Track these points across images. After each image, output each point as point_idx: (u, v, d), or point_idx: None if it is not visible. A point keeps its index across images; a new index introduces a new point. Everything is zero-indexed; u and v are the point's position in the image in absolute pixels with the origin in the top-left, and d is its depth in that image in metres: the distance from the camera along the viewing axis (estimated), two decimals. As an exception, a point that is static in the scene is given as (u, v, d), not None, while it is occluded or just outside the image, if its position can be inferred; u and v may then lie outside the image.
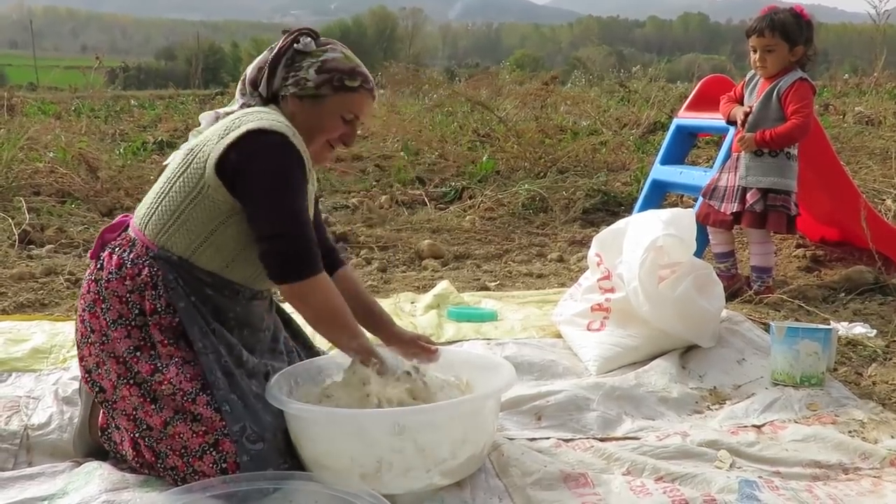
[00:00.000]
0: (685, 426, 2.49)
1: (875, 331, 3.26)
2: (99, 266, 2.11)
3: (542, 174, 6.84)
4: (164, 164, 2.23)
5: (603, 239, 3.24)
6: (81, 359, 2.13)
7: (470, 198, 6.30)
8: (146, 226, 2.08)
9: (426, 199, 6.36)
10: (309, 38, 2.14)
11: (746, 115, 3.70)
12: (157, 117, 11.67)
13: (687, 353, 3.00)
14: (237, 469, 1.92)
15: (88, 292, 2.10)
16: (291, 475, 1.90)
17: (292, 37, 2.14)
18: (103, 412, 2.16)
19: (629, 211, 4.91)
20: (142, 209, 2.13)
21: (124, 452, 2.09)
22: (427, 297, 3.65)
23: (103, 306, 2.05)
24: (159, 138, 8.98)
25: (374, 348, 2.15)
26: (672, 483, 2.05)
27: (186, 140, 2.25)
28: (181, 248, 2.04)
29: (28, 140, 7.19)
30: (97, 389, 2.09)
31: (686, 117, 4.63)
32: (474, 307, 3.59)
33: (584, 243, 4.84)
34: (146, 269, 2.03)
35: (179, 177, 2.06)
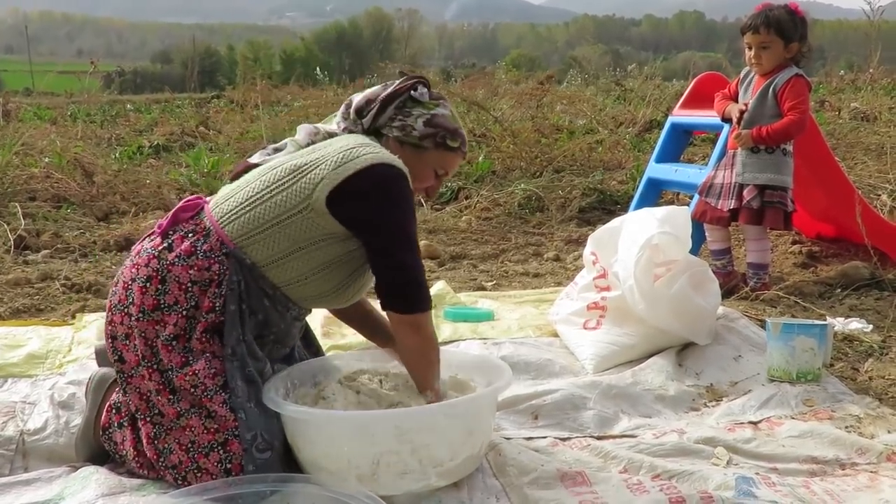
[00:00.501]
0: (682, 424, 2.49)
1: (871, 326, 3.26)
2: (166, 245, 2.06)
3: (538, 173, 6.85)
4: (251, 161, 2.25)
5: (598, 237, 3.24)
6: (110, 322, 2.09)
7: (466, 198, 6.30)
8: (229, 222, 2.05)
9: (422, 200, 6.36)
10: (425, 89, 2.23)
11: (741, 112, 3.71)
12: (153, 121, 11.67)
13: (683, 350, 3.00)
14: (241, 472, 1.92)
15: (147, 265, 2.04)
16: (290, 478, 1.90)
17: (411, 82, 2.21)
18: (106, 412, 2.15)
19: (625, 209, 4.92)
20: (226, 204, 2.09)
21: (125, 453, 2.08)
22: (424, 298, 3.64)
23: (160, 287, 2.01)
24: (155, 142, 8.99)
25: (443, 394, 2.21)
26: (669, 480, 2.05)
27: (275, 145, 2.29)
28: (259, 257, 2.03)
29: (23, 145, 7.20)
30: (117, 357, 2.07)
31: (681, 115, 4.63)
32: (471, 307, 3.59)
33: (581, 242, 4.84)
34: (217, 264, 2.01)
35: (282, 190, 2.03)
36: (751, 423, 2.48)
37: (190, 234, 2.06)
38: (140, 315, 2.01)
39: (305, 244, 2.04)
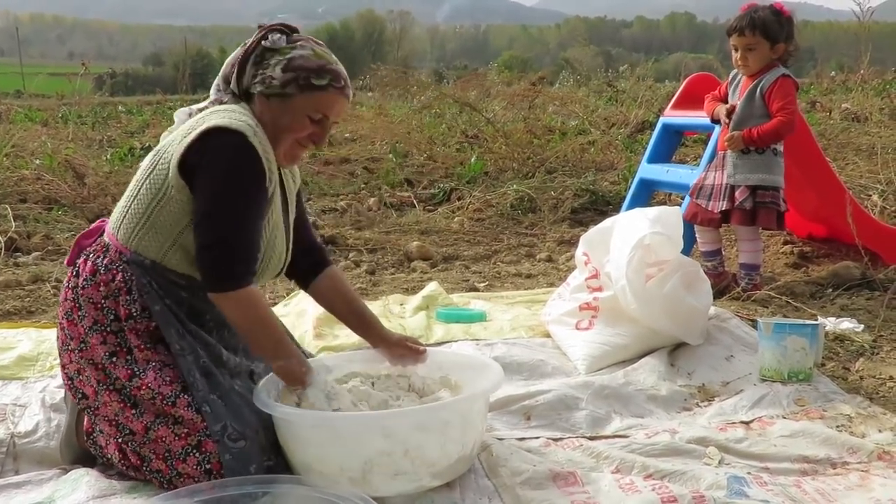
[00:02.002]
0: (674, 423, 2.49)
1: (862, 326, 3.27)
2: (75, 273, 2.10)
3: (530, 174, 6.85)
4: (139, 166, 2.21)
5: (590, 238, 3.24)
6: (63, 366, 2.12)
7: (458, 199, 6.31)
8: (118, 230, 2.06)
9: (415, 201, 6.36)
10: (280, 35, 2.08)
11: (729, 112, 3.72)
12: (144, 123, 11.63)
13: (675, 350, 3.00)
14: (221, 469, 1.91)
15: (66, 300, 2.09)
16: (280, 479, 1.89)
17: (262, 33, 2.09)
18: (88, 419, 2.15)
19: (617, 210, 4.92)
20: (115, 214, 2.12)
21: (110, 456, 2.07)
22: (416, 299, 3.64)
23: (80, 313, 2.04)
24: (147, 144, 8.94)
25: (301, 374, 2.07)
26: (661, 480, 2.05)
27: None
28: (152, 252, 2.02)
29: (14, 147, 7.18)
30: (80, 396, 2.09)
31: (672, 116, 4.64)
32: (463, 308, 3.58)
33: (573, 243, 4.84)
34: (119, 274, 2.02)
35: (146, 179, 2.04)
36: (742, 422, 2.48)
37: (91, 255, 2.09)
38: (81, 346, 2.04)
39: (184, 227, 2.00)
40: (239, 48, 2.14)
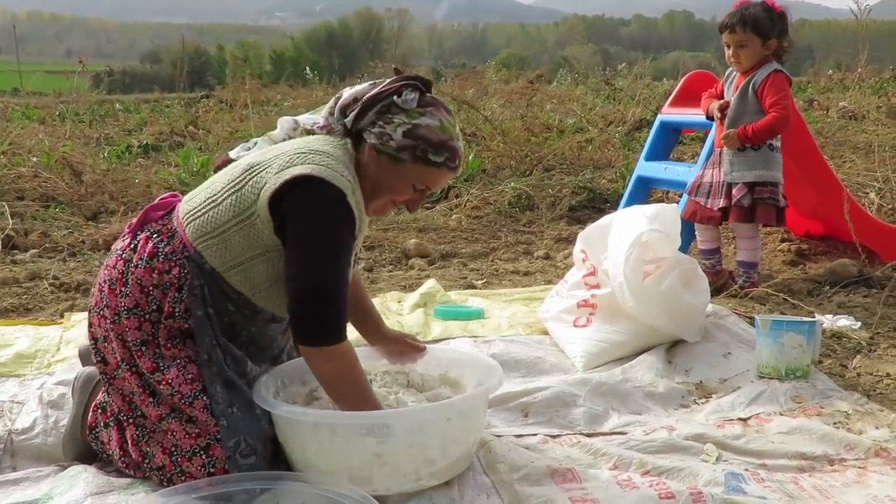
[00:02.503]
0: (671, 420, 2.49)
1: (859, 323, 3.28)
2: (132, 246, 2.04)
3: (528, 172, 6.85)
4: (230, 155, 2.17)
5: (588, 235, 3.24)
6: (91, 325, 2.09)
7: (456, 196, 6.30)
8: (190, 224, 2.01)
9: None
10: (414, 95, 2.03)
11: (722, 109, 3.72)
12: (142, 121, 11.62)
13: (673, 347, 3.01)
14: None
15: (114, 268, 2.03)
16: (280, 475, 1.89)
17: (398, 85, 2.03)
18: (92, 411, 2.14)
19: (615, 207, 4.92)
20: (190, 203, 2.06)
21: (111, 452, 2.07)
22: (414, 296, 3.65)
23: (123, 289, 1.99)
24: (144, 142, 8.95)
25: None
26: (659, 477, 2.06)
27: (255, 140, 2.20)
28: (215, 262, 1.98)
29: (11, 145, 7.17)
30: (100, 359, 2.07)
31: (670, 113, 4.64)
32: (461, 305, 3.58)
33: (571, 240, 4.84)
34: (177, 268, 1.98)
35: (233, 192, 1.98)
36: (740, 419, 2.49)
37: (155, 235, 2.03)
38: (114, 317, 2.00)
39: (255, 255, 1.98)
40: (367, 85, 2.09)
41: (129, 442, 2.02)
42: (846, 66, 14.95)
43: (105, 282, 2.04)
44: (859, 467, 2.16)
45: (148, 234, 2.04)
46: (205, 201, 2.02)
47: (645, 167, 4.67)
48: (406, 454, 1.94)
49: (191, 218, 2.02)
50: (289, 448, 2.02)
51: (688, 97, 4.49)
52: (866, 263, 3.91)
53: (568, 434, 2.39)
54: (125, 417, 2.03)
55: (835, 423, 2.42)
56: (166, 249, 2.00)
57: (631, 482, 2.00)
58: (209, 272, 1.99)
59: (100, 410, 2.12)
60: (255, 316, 2.09)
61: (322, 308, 1.91)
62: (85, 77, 13.12)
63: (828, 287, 3.85)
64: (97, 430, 2.12)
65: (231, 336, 2.06)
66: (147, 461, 1.99)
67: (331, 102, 2.15)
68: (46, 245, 4.87)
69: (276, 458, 2.04)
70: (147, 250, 2.00)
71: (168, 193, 2.22)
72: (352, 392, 1.98)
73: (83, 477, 2.03)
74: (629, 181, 4.90)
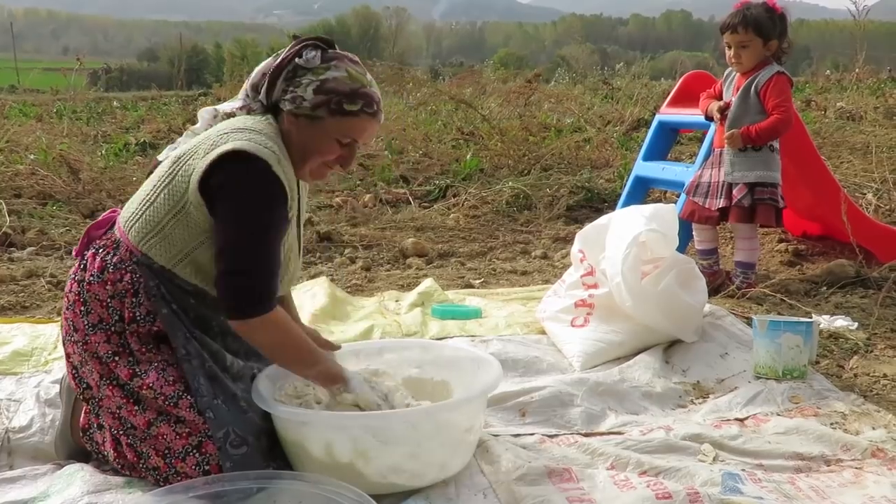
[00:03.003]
0: (669, 420, 2.50)
1: (856, 323, 3.28)
2: (82, 266, 2.06)
3: (525, 172, 6.85)
4: (158, 158, 2.17)
5: (586, 235, 3.24)
6: (68, 356, 2.10)
7: (454, 196, 6.30)
8: (130, 230, 2.02)
9: (410, 198, 6.35)
10: (315, 52, 2.02)
11: (721, 109, 3.72)
12: (139, 119, 11.59)
13: (670, 347, 3.01)
14: (219, 472, 1.91)
15: (71, 292, 2.06)
16: (275, 475, 1.89)
17: (297, 48, 2.03)
18: (84, 413, 2.14)
19: (613, 207, 4.92)
20: (128, 210, 2.07)
21: (106, 453, 2.07)
22: (411, 296, 3.64)
23: (83, 308, 2.02)
24: (142, 140, 8.93)
25: (337, 373, 2.07)
26: (656, 477, 2.06)
27: (180, 137, 2.20)
28: (163, 260, 1.99)
29: (8, 142, 7.15)
30: (83, 386, 2.07)
31: (668, 113, 4.65)
32: (459, 305, 3.58)
33: (568, 240, 4.84)
34: (128, 275, 1.99)
35: (165, 187, 1.99)
36: (737, 419, 2.49)
37: (101, 250, 2.05)
38: (84, 339, 2.01)
39: (197, 243, 1.97)
40: (271, 58, 2.09)
41: (124, 445, 2.02)
42: (844, 66, 14.96)
43: (67, 308, 2.07)
44: (856, 468, 2.16)
45: (94, 250, 2.07)
46: (140, 204, 2.04)
47: (643, 167, 4.67)
48: (404, 454, 1.94)
49: (130, 223, 2.03)
50: (285, 444, 2.02)
51: (686, 97, 4.49)
52: (863, 264, 3.92)
53: (565, 434, 2.39)
54: (117, 432, 2.03)
55: (832, 424, 2.43)
56: (114, 260, 2.01)
57: (628, 482, 2.00)
58: (159, 271, 2.00)
59: (93, 413, 2.12)
60: (218, 304, 2.07)
61: (246, 280, 1.91)
62: (82, 74, 13.09)
63: (825, 287, 3.85)
64: (90, 431, 2.12)
65: (203, 328, 2.07)
66: (142, 462, 1.99)
67: (245, 85, 2.15)
68: (44, 243, 4.87)
69: (273, 452, 2.03)
70: (96, 265, 2.02)
71: (108, 211, 2.24)
72: (296, 356, 2.02)
73: (80, 475, 2.03)
74: (627, 181, 4.90)
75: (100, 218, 2.20)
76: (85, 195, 6.04)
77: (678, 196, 4.09)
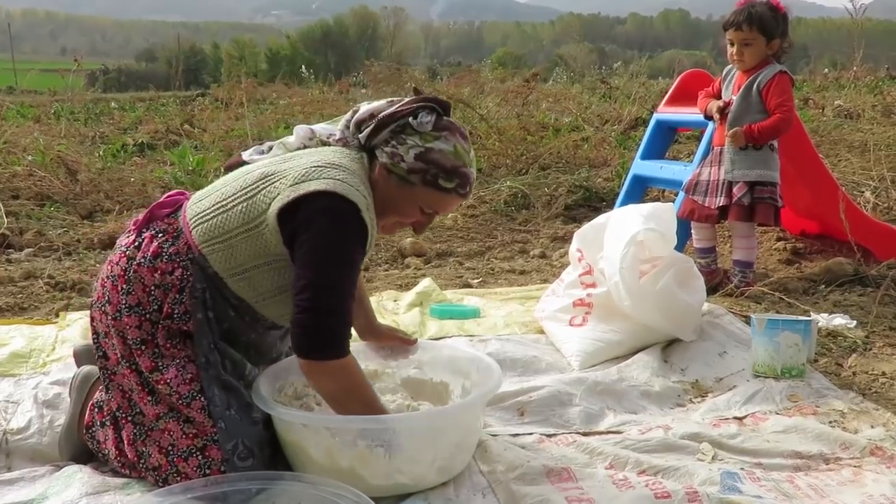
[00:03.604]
0: (667, 419, 2.50)
1: (855, 322, 3.28)
2: (136, 244, 2.02)
3: (524, 171, 6.85)
4: (243, 157, 2.16)
5: (584, 234, 3.24)
6: (93, 319, 2.09)
7: (452, 195, 6.29)
8: (197, 227, 2.00)
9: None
10: (430, 117, 2.01)
11: (721, 109, 3.72)
12: (137, 119, 11.58)
13: (669, 346, 3.01)
14: None
15: (117, 264, 2.02)
16: (276, 475, 1.89)
17: (416, 106, 2.02)
18: (89, 411, 2.14)
19: (611, 206, 4.92)
20: (199, 205, 2.04)
21: (107, 451, 2.07)
22: (410, 295, 3.64)
23: (125, 287, 1.99)
24: (140, 140, 8.93)
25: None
26: (655, 476, 2.06)
27: (271, 143, 2.18)
28: (220, 267, 1.97)
29: (6, 143, 7.14)
30: (101, 354, 2.06)
31: (666, 112, 4.64)
32: (457, 304, 3.58)
33: (567, 239, 4.84)
34: (180, 270, 1.97)
35: (244, 200, 1.97)
36: (736, 418, 2.49)
37: (160, 234, 2.02)
38: (116, 314, 2.00)
39: (260, 263, 1.97)
40: (386, 102, 2.08)
41: (126, 441, 2.01)
42: (842, 64, 14.99)
43: (108, 277, 2.03)
44: (855, 466, 2.17)
45: (153, 232, 2.03)
46: (214, 205, 2.01)
47: (641, 166, 4.67)
48: (403, 455, 1.94)
49: (198, 221, 2.01)
50: (285, 447, 2.02)
51: (684, 96, 4.49)
52: (862, 262, 3.92)
53: (564, 433, 2.39)
54: (123, 415, 2.02)
55: (830, 422, 2.43)
56: (171, 250, 1.99)
57: (627, 481, 2.00)
58: (212, 276, 1.98)
59: (97, 409, 2.12)
60: (255, 323, 2.08)
61: (327, 322, 1.87)
62: (80, 75, 13.07)
63: (823, 286, 3.85)
64: (93, 429, 2.12)
65: (231, 341, 2.06)
66: (143, 461, 1.98)
67: (347, 115, 2.14)
68: (42, 244, 4.86)
69: (274, 459, 2.03)
70: (151, 249, 1.99)
71: (175, 191, 2.20)
72: (359, 410, 1.94)
73: (78, 477, 2.02)
74: (625, 180, 4.90)
75: (164, 198, 2.15)
76: (83, 196, 6.03)
77: (676, 195, 4.09)
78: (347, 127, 2.11)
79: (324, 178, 1.90)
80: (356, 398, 1.94)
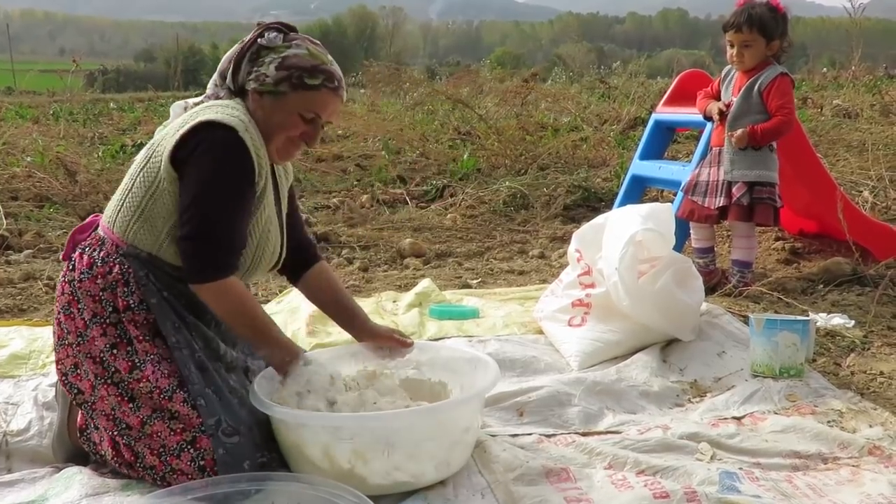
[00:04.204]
0: (666, 419, 2.50)
1: (853, 321, 3.29)
2: (71, 267, 2.10)
3: (522, 171, 6.86)
4: (133, 161, 2.21)
5: (583, 234, 3.25)
6: (58, 361, 2.12)
7: (451, 196, 6.31)
8: (114, 223, 2.07)
9: (407, 198, 6.36)
10: (276, 33, 2.10)
11: (721, 111, 3.72)
12: (136, 120, 11.58)
13: (667, 346, 3.01)
14: (215, 465, 1.92)
15: (63, 294, 2.09)
16: (274, 476, 1.89)
17: (259, 31, 2.11)
18: (82, 413, 2.15)
19: (610, 207, 4.93)
20: (109, 207, 2.13)
21: (104, 452, 2.08)
22: (409, 296, 3.65)
23: (79, 307, 2.04)
24: (139, 141, 8.91)
25: (283, 364, 2.11)
26: (653, 476, 2.06)
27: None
28: (147, 244, 2.03)
29: (5, 144, 7.15)
30: (75, 392, 2.08)
31: (664, 112, 4.65)
32: (456, 305, 3.59)
33: (566, 239, 4.84)
34: (116, 266, 2.02)
35: (140, 171, 2.05)
36: (734, 418, 2.49)
37: (87, 248, 2.09)
38: (79, 339, 2.03)
39: (176, 219, 2.01)
40: (236, 45, 2.15)
41: (121, 445, 2.03)
42: (840, 63, 14.98)
43: (59, 312, 2.10)
44: (853, 466, 2.17)
45: (80, 250, 2.11)
46: (119, 196, 2.10)
47: (639, 166, 4.68)
48: (403, 454, 1.94)
49: (113, 216, 2.08)
50: (284, 447, 2.03)
51: (682, 96, 4.50)
52: (860, 262, 3.93)
53: (563, 433, 2.39)
54: (111, 433, 2.04)
55: (829, 422, 2.43)
56: (101, 255, 2.05)
57: (626, 482, 2.00)
58: (147, 259, 2.03)
59: (87, 417, 2.13)
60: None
61: (207, 244, 1.96)
62: (79, 76, 13.08)
63: (821, 285, 3.86)
64: (88, 431, 2.13)
65: (197, 314, 2.10)
66: (139, 461, 2.00)
67: (213, 77, 2.21)
68: (41, 245, 4.86)
69: (267, 445, 2.04)
70: (84, 262, 2.06)
71: (91, 216, 2.28)
72: (250, 327, 2.07)
73: (78, 478, 2.03)
74: (624, 180, 4.91)
75: (83, 222, 2.25)
76: (82, 197, 6.03)
77: (675, 195, 4.09)
78: (215, 84, 2.19)
79: (198, 117, 2.00)
80: (247, 317, 2.05)
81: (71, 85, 12.35)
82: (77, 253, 2.11)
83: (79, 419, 2.16)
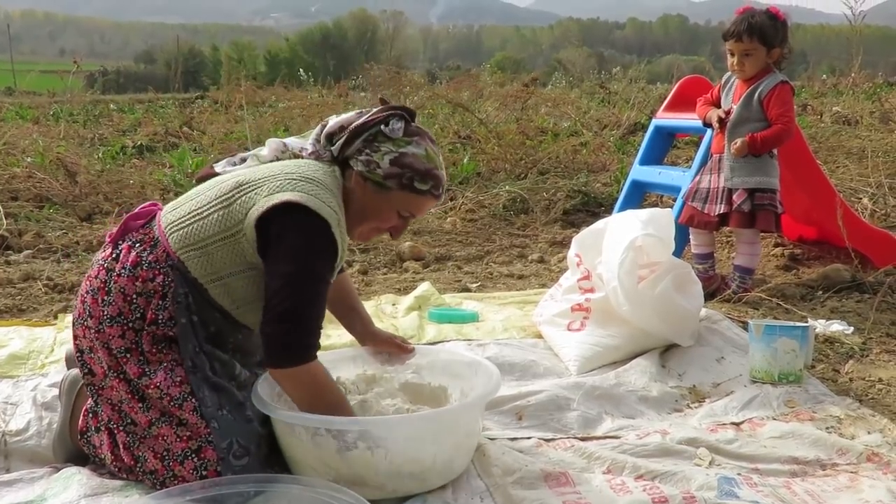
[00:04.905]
0: (665, 424, 2.50)
1: (852, 328, 3.29)
2: (114, 256, 2.04)
3: (522, 175, 6.86)
4: (215, 168, 2.19)
5: (582, 239, 3.25)
6: (76, 337, 2.09)
7: (451, 199, 6.30)
8: (173, 234, 2.02)
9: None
10: (400, 124, 2.08)
11: (721, 118, 3.72)
12: (136, 121, 11.60)
13: (666, 351, 3.01)
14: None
15: (96, 277, 2.04)
16: (272, 478, 1.89)
17: (385, 115, 2.08)
18: (83, 415, 2.14)
19: (609, 211, 4.94)
20: (174, 213, 2.07)
21: (103, 456, 2.07)
22: (408, 299, 3.65)
23: (106, 298, 2.00)
24: (139, 142, 8.93)
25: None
26: (652, 481, 2.06)
27: (241, 155, 2.22)
28: (198, 273, 1.99)
29: (5, 145, 7.15)
30: (86, 371, 2.07)
31: (664, 118, 4.66)
32: (455, 308, 3.59)
33: (565, 244, 4.85)
34: (161, 276, 1.98)
35: (221, 208, 2.00)
36: (733, 423, 2.49)
37: (137, 245, 2.04)
38: (98, 327, 2.01)
39: (237, 271, 1.99)
40: (354, 114, 2.13)
41: (121, 447, 2.02)
42: (840, 70, 15.02)
43: (87, 292, 2.05)
44: (851, 472, 2.17)
45: (130, 243, 2.05)
46: (189, 213, 2.03)
47: (639, 171, 4.68)
48: (404, 458, 1.94)
49: (174, 228, 2.03)
50: (285, 449, 2.03)
51: (682, 102, 4.50)
52: (859, 268, 3.93)
53: (562, 438, 2.39)
54: (115, 426, 2.03)
55: (827, 428, 2.43)
56: (149, 258, 2.01)
57: (624, 486, 2.01)
58: (192, 281, 2.00)
59: (91, 415, 2.12)
60: (239, 325, 2.10)
61: (290, 330, 1.92)
62: (79, 77, 13.10)
63: (821, 292, 3.86)
64: (88, 434, 2.12)
65: (218, 343, 2.08)
66: (139, 465, 1.99)
67: (317, 130, 2.19)
68: (40, 246, 4.86)
69: (270, 459, 2.04)
70: (130, 259, 2.01)
71: (148, 203, 2.23)
72: (323, 407, 1.97)
73: (77, 479, 2.03)
74: (623, 185, 4.91)
75: (138, 209, 2.18)
76: (82, 198, 6.03)
77: (675, 200, 4.10)
78: (318, 140, 2.16)
79: (297, 190, 1.94)
80: (322, 403, 1.97)
81: (71, 86, 12.37)
82: (125, 245, 2.05)
83: (80, 422, 2.16)
